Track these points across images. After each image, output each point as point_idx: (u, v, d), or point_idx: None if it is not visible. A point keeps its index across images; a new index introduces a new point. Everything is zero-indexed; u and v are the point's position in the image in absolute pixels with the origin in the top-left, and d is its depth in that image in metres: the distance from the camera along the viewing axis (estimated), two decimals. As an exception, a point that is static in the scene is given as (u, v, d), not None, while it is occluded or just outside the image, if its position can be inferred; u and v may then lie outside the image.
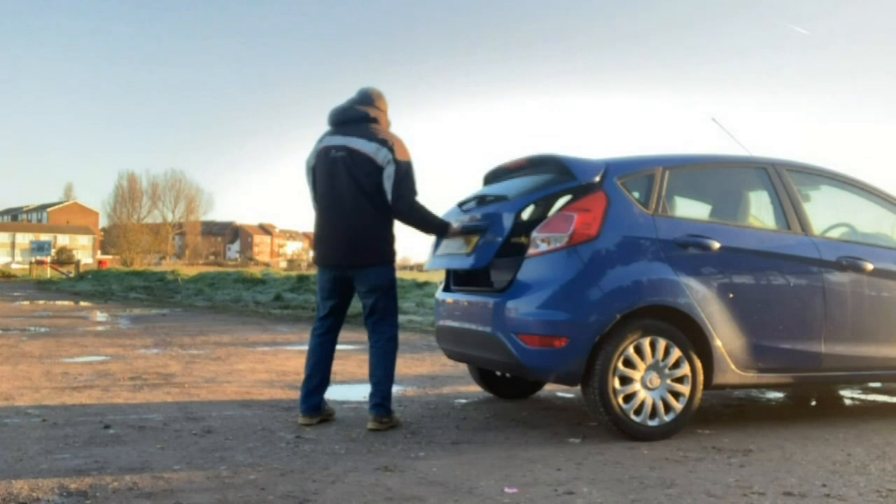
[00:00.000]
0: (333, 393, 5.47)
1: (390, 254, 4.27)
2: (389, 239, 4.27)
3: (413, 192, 4.22)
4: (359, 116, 4.27)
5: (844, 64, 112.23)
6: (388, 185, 4.14)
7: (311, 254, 4.65)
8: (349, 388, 5.61)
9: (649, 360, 3.98)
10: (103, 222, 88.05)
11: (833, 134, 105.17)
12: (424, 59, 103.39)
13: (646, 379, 3.97)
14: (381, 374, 4.24)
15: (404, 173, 4.16)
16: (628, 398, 3.95)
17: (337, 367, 6.71)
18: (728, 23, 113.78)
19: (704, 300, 4.07)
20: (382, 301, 4.28)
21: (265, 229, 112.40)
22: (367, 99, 4.35)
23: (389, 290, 4.30)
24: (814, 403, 5.53)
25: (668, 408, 4.00)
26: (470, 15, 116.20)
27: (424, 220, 4.30)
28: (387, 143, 4.18)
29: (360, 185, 4.15)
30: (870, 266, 4.48)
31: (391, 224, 4.27)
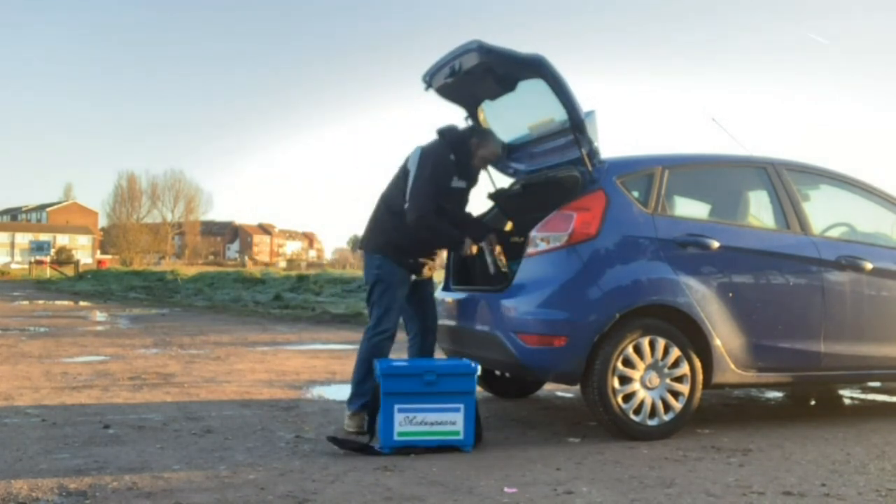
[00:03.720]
0: (334, 393, 5.48)
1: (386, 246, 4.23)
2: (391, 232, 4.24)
3: (422, 202, 4.12)
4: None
5: (848, 64, 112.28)
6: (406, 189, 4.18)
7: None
8: (349, 388, 5.59)
9: (648, 359, 3.98)
10: (103, 222, 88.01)
11: (833, 134, 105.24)
12: (416, 52, 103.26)
13: (645, 378, 3.97)
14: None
15: (417, 179, 4.15)
16: (628, 398, 3.94)
17: (336, 366, 6.72)
18: (731, 19, 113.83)
19: (704, 299, 4.07)
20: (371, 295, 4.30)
21: (264, 229, 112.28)
22: (466, 127, 4.56)
23: (374, 285, 4.26)
24: (813, 403, 5.53)
25: (667, 407, 4.00)
26: (466, 6, 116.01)
27: (434, 234, 4.24)
28: (422, 148, 4.24)
29: (391, 184, 4.34)
30: (869, 265, 4.48)
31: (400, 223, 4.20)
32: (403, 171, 4.28)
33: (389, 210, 4.28)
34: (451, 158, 4.21)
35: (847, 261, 4.44)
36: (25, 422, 4.31)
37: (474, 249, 4.30)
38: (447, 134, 4.31)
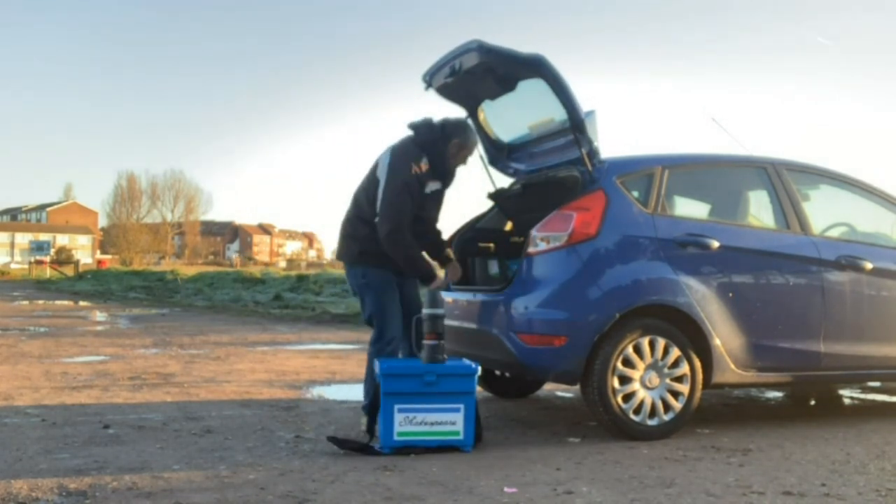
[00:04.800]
0: (334, 393, 5.48)
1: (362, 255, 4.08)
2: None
3: (394, 215, 3.89)
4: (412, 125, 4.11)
5: (848, 64, 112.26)
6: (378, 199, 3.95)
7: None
8: (349, 388, 5.61)
9: (648, 359, 3.97)
10: (102, 222, 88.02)
11: (833, 134, 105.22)
12: (416, 52, 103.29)
13: (645, 378, 3.97)
14: None
15: (388, 189, 3.91)
16: (627, 398, 3.94)
17: (336, 366, 6.72)
18: (731, 19, 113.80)
19: (704, 299, 4.06)
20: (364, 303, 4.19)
21: (264, 229, 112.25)
22: (438, 123, 4.08)
23: (360, 293, 4.17)
24: (813, 403, 5.53)
25: (667, 407, 4.00)
26: (467, 5, 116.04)
27: (404, 257, 3.96)
28: (392, 151, 4.00)
29: (361, 187, 4.11)
30: (869, 265, 4.48)
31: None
32: (373, 176, 4.04)
33: (361, 219, 4.06)
34: (422, 164, 3.95)
35: (847, 261, 4.44)
36: (25, 422, 4.31)
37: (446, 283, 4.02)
38: (419, 134, 4.04)
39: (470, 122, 4.06)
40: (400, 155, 3.98)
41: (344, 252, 4.21)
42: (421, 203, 3.99)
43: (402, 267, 4.01)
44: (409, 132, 4.09)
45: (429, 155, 3.97)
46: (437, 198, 4.11)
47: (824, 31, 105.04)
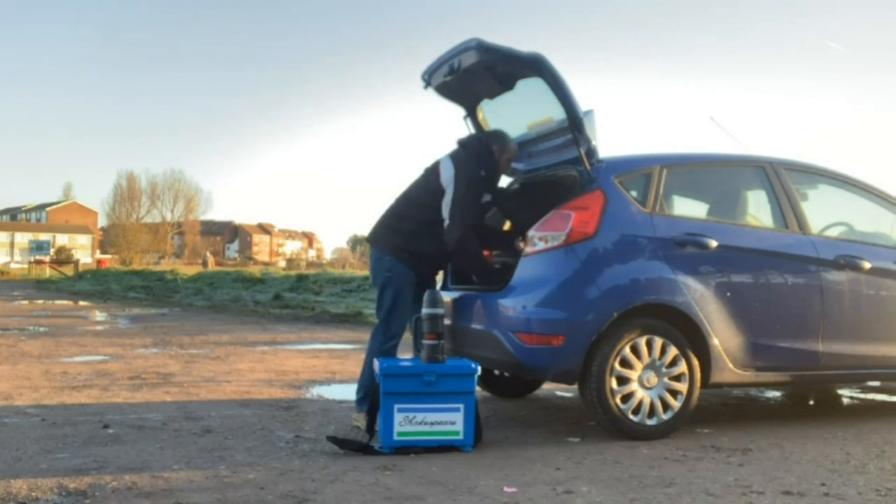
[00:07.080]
0: (333, 392, 5.48)
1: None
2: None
3: (463, 223, 4.17)
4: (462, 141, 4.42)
5: (848, 63, 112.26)
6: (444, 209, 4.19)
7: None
8: (349, 388, 5.61)
9: (646, 359, 3.98)
10: (102, 222, 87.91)
11: (834, 134, 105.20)
12: (413, 52, 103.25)
13: (643, 378, 3.97)
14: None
15: (457, 199, 4.15)
16: (626, 398, 3.94)
17: (336, 366, 6.72)
18: (731, 19, 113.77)
19: (702, 299, 4.07)
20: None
21: (264, 229, 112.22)
22: (484, 136, 4.50)
23: (381, 283, 4.32)
24: (812, 402, 5.54)
25: (666, 406, 4.00)
26: (466, 4, 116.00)
27: (471, 260, 4.36)
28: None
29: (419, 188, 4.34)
30: (867, 265, 4.48)
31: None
32: (431, 183, 4.24)
33: (411, 217, 4.27)
34: (481, 175, 4.24)
35: (845, 260, 4.44)
36: (25, 421, 4.31)
37: None
38: (471, 148, 4.31)
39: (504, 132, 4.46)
40: (464, 168, 4.19)
41: (381, 240, 4.34)
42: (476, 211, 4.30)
43: (467, 268, 4.41)
44: (458, 147, 4.35)
45: (485, 168, 4.26)
46: (485, 209, 4.43)
47: (825, 29, 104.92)
